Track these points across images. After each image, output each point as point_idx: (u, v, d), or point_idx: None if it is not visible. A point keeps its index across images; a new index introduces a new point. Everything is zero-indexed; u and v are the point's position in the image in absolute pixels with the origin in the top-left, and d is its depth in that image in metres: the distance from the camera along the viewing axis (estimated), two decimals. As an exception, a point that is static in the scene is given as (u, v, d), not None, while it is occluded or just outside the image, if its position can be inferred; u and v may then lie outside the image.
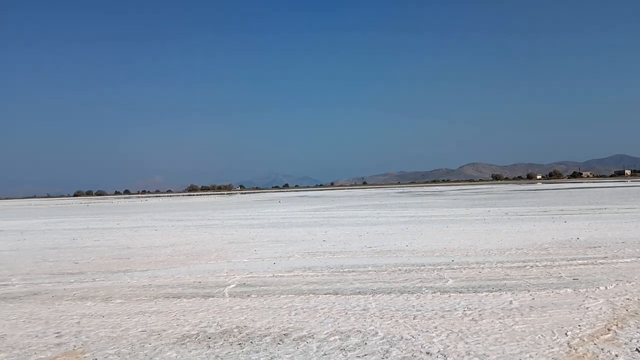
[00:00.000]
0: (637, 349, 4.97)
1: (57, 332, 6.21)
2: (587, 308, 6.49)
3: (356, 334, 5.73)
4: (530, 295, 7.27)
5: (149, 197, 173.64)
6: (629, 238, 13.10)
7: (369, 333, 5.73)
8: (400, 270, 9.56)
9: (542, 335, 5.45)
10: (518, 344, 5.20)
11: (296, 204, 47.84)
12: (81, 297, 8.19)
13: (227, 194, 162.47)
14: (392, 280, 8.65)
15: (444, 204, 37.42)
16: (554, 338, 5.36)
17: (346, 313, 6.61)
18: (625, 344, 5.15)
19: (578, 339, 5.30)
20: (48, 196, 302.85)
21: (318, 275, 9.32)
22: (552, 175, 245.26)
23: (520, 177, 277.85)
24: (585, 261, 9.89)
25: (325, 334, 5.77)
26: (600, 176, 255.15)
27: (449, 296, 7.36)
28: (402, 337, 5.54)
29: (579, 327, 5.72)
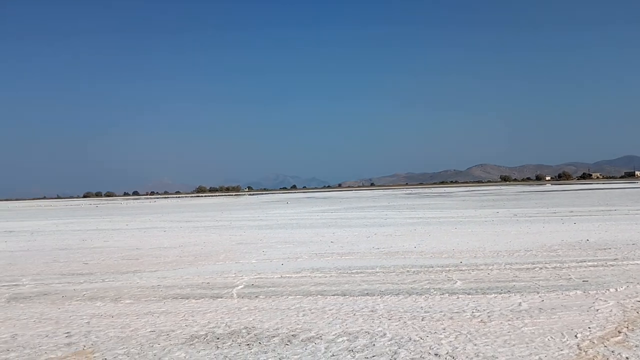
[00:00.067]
0: (648, 352, 4.93)
1: (67, 332, 6.26)
2: (597, 310, 6.44)
3: (364, 335, 5.72)
4: (540, 297, 7.22)
5: (157, 198, 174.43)
6: (639, 240, 12.97)
7: (377, 334, 5.72)
8: (408, 271, 9.54)
9: (552, 337, 5.42)
10: (527, 346, 5.17)
11: (304, 205, 47.86)
12: (91, 298, 8.25)
13: (235, 195, 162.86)
14: (400, 281, 8.63)
15: (452, 205, 37.27)
16: (563, 340, 5.32)
17: (354, 314, 6.61)
18: (636, 346, 5.11)
19: (588, 341, 5.26)
20: (58, 197, 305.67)
21: (326, 277, 9.32)
22: (561, 177, 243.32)
23: (529, 178, 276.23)
24: (595, 263, 9.80)
25: (333, 335, 5.77)
26: (610, 177, 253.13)
27: (458, 298, 7.33)
28: (410, 339, 5.53)
29: (588, 329, 5.68)
